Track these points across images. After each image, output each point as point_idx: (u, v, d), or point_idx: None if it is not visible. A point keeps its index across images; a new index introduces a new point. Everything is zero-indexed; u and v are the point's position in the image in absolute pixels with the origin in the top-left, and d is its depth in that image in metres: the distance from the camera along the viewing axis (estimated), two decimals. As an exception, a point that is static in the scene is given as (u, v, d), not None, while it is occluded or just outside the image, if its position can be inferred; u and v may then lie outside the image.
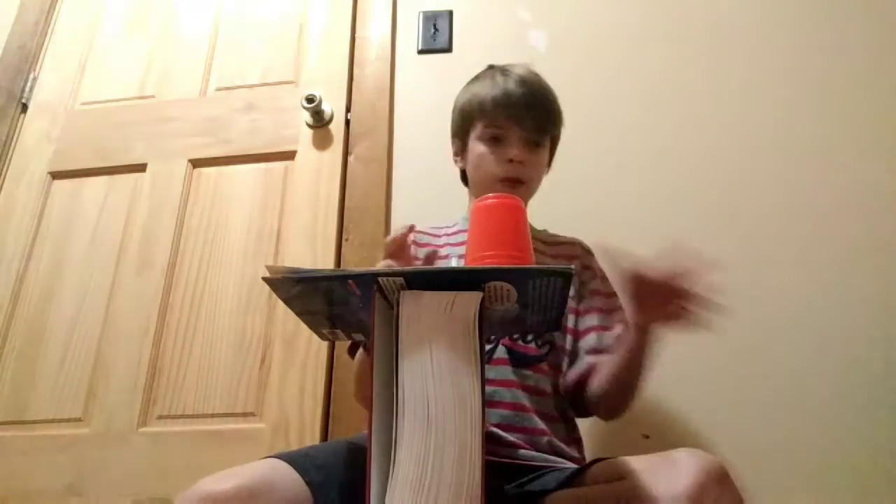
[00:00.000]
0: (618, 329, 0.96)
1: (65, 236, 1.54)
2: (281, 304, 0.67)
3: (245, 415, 1.31)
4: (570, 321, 0.99)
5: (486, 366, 0.88)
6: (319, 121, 1.53)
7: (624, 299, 0.80)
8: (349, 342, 0.93)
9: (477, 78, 1.08)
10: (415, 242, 1.06)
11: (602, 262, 1.06)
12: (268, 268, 0.62)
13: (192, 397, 1.33)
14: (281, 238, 1.45)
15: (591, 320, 0.98)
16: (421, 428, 0.54)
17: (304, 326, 0.72)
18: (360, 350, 0.90)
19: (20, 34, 1.78)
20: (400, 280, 0.59)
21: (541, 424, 0.87)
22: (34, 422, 1.37)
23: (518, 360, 0.91)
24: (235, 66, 1.68)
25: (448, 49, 1.59)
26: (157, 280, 1.45)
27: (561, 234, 1.12)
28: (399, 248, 0.79)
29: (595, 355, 0.94)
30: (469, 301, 0.58)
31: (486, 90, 1.02)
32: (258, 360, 1.34)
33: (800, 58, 1.46)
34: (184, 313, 1.41)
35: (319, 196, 1.47)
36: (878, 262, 1.26)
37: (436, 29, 1.62)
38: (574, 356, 0.96)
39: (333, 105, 1.56)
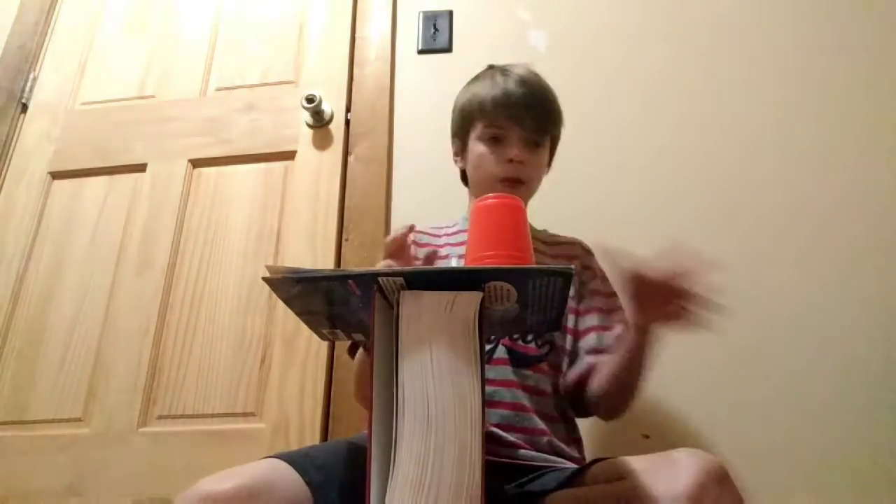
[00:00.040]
0: (618, 329, 0.96)
1: (65, 236, 1.54)
2: (281, 304, 0.67)
3: (245, 415, 1.31)
4: (570, 321, 0.99)
5: (486, 366, 0.89)
6: (319, 121, 1.53)
7: (624, 299, 0.80)
8: (349, 342, 0.92)
9: (477, 78, 1.08)
10: (415, 242, 1.06)
11: (602, 262, 1.06)
12: (268, 268, 0.62)
13: (192, 397, 1.34)
14: (281, 238, 1.45)
15: (591, 320, 0.98)
16: (421, 428, 0.54)
17: (304, 326, 0.72)
18: (360, 350, 0.90)
19: (20, 34, 1.78)
20: (400, 280, 0.59)
21: (541, 424, 0.87)
22: (34, 422, 1.37)
23: (518, 360, 0.91)
24: (235, 66, 1.68)
25: (448, 49, 1.59)
26: (157, 280, 1.45)
27: (561, 234, 1.12)
28: (399, 248, 0.79)
29: (595, 355, 0.94)
30: (469, 301, 0.58)
31: (486, 90, 1.02)
32: (258, 360, 1.34)
33: (800, 57, 1.46)
34: (184, 313, 1.41)
35: (319, 196, 1.47)
36: (878, 262, 1.26)
37: (436, 29, 1.62)
38: (574, 356, 0.96)
39: (333, 105, 1.56)
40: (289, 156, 1.53)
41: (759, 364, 1.20)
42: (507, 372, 0.89)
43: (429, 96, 1.54)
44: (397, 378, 0.56)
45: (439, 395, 0.55)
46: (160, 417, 1.33)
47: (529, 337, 0.93)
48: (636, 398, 0.89)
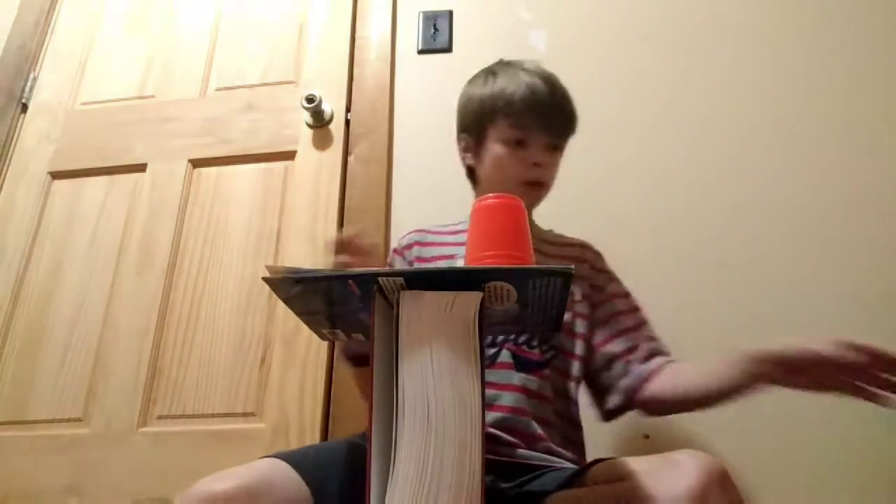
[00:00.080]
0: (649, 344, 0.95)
1: (65, 236, 1.54)
2: (281, 303, 0.67)
3: (245, 415, 1.31)
4: (581, 326, 0.97)
5: (490, 369, 0.88)
6: (319, 121, 1.53)
7: (769, 363, 0.75)
8: (343, 353, 0.90)
9: (493, 73, 1.04)
10: (418, 243, 1.06)
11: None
12: (268, 268, 0.62)
13: (192, 397, 1.34)
14: (281, 238, 1.45)
15: (619, 343, 0.96)
16: (421, 428, 0.54)
17: (304, 326, 0.72)
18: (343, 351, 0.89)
19: (20, 34, 1.78)
20: (400, 280, 0.59)
21: (538, 430, 0.87)
22: (34, 422, 1.37)
23: (522, 364, 0.90)
24: (235, 66, 1.68)
25: (448, 49, 1.60)
26: (157, 280, 1.45)
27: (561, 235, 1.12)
28: (349, 247, 0.78)
29: (653, 360, 0.93)
30: (469, 301, 0.58)
31: (513, 87, 0.98)
32: (258, 360, 1.34)
33: (802, 57, 1.46)
34: (184, 313, 1.41)
35: (319, 196, 1.47)
36: (878, 261, 1.26)
37: (436, 29, 1.62)
38: (607, 364, 0.95)
39: (333, 105, 1.56)
40: (289, 156, 1.53)
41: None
42: (509, 376, 0.89)
43: (429, 96, 1.54)
44: (397, 378, 0.56)
45: (439, 395, 0.55)
46: (160, 417, 1.33)
47: (535, 342, 0.92)
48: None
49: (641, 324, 0.98)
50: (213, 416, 1.31)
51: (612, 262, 1.08)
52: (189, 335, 1.39)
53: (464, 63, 1.49)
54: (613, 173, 1.41)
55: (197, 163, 1.57)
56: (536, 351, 0.91)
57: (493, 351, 0.90)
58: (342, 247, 0.79)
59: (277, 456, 0.74)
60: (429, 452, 0.53)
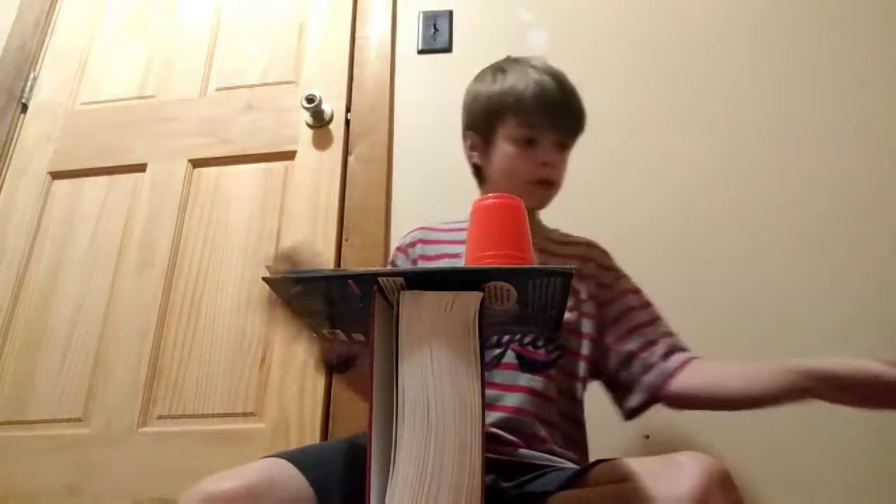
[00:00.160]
0: (668, 339, 0.94)
1: (65, 236, 1.54)
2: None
3: (245, 415, 1.31)
4: (587, 326, 0.95)
5: (495, 370, 0.88)
6: (319, 121, 1.53)
7: (821, 380, 0.75)
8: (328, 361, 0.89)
9: (502, 70, 1.02)
10: (421, 241, 1.05)
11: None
12: (268, 268, 0.62)
13: (192, 397, 1.34)
14: (281, 238, 1.45)
15: (634, 341, 0.95)
16: (421, 428, 0.54)
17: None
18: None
19: (20, 34, 1.78)
20: (400, 280, 0.59)
21: (541, 431, 0.86)
22: (34, 422, 1.37)
23: (527, 365, 0.90)
24: (235, 66, 1.68)
25: (448, 49, 1.60)
26: (157, 280, 1.45)
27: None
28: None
29: (675, 355, 0.91)
30: (469, 301, 0.58)
31: (522, 84, 0.97)
32: (258, 360, 1.34)
33: (804, 56, 1.46)
34: (184, 313, 1.41)
35: (319, 196, 1.47)
36: (878, 261, 1.26)
37: (436, 29, 1.62)
38: (625, 362, 0.93)
39: (333, 105, 1.56)
40: (289, 156, 1.53)
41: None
42: (514, 377, 0.88)
43: (429, 96, 1.54)
44: (397, 378, 0.56)
45: (439, 396, 0.55)
46: (160, 417, 1.33)
47: (540, 343, 0.91)
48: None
49: (656, 319, 0.96)
50: (213, 416, 1.31)
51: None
52: (189, 335, 1.39)
53: (464, 63, 1.50)
54: (614, 173, 1.41)
55: (197, 163, 1.57)
56: (542, 351, 0.90)
57: (498, 351, 0.89)
58: (286, 261, 0.78)
59: (280, 455, 0.74)
60: (429, 452, 0.53)
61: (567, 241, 1.06)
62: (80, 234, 1.53)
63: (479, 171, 1.06)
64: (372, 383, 0.56)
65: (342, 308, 0.66)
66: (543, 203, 1.02)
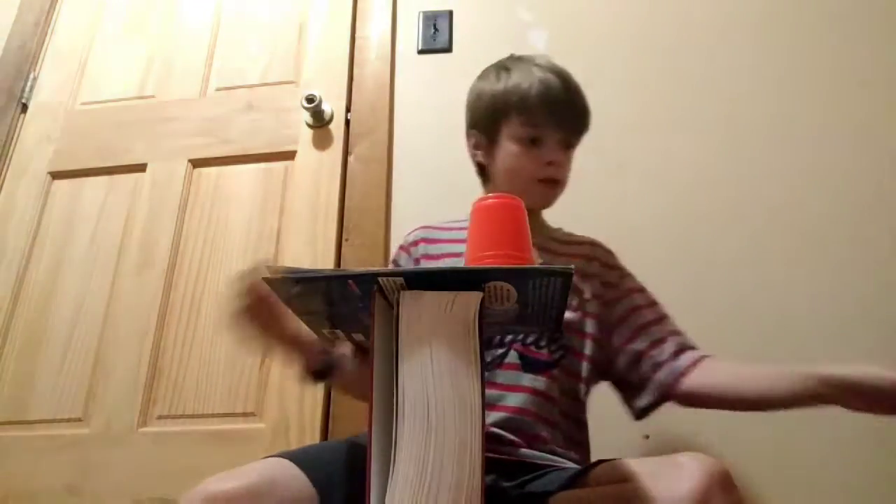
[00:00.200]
0: (677, 337, 0.94)
1: (65, 236, 1.54)
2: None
3: (245, 415, 1.31)
4: (590, 326, 0.94)
5: (497, 370, 0.87)
6: (319, 121, 1.53)
7: (841, 387, 0.75)
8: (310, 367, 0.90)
9: (506, 68, 1.02)
10: (424, 240, 1.05)
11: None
12: (268, 268, 0.62)
13: (192, 397, 1.34)
14: (281, 238, 1.45)
15: (642, 341, 0.94)
16: (421, 428, 0.54)
17: (304, 326, 0.72)
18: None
19: (20, 34, 1.78)
20: (400, 280, 0.59)
21: (543, 431, 0.86)
22: (34, 422, 1.37)
23: (529, 365, 0.89)
24: (235, 66, 1.68)
25: (448, 49, 1.59)
26: (157, 280, 1.45)
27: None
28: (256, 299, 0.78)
29: (685, 353, 0.91)
30: (469, 301, 0.58)
31: (527, 83, 0.96)
32: (258, 360, 1.34)
33: (805, 56, 1.46)
34: (184, 313, 1.41)
35: (319, 196, 1.47)
36: (878, 263, 1.26)
37: (436, 29, 1.62)
38: (634, 362, 0.92)
39: (333, 105, 1.56)
40: (289, 156, 1.53)
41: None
42: (516, 377, 0.88)
43: (429, 96, 1.54)
44: (397, 378, 0.56)
45: (439, 396, 0.55)
46: (160, 417, 1.33)
47: (543, 343, 0.90)
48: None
49: (663, 317, 0.95)
50: (213, 416, 1.31)
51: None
52: (189, 335, 1.39)
53: (464, 63, 1.49)
54: (614, 173, 1.41)
55: (197, 163, 1.57)
56: (545, 351, 0.90)
57: (501, 351, 0.89)
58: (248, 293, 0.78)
59: (282, 455, 0.74)
60: (429, 452, 0.53)
61: (571, 241, 1.05)
62: (80, 234, 1.53)
63: (483, 170, 1.06)
64: (372, 383, 0.56)
65: (342, 308, 0.66)
66: (548, 202, 1.02)
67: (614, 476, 0.66)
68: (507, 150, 0.98)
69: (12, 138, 1.68)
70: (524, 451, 0.84)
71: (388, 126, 1.52)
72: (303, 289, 0.63)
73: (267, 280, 0.62)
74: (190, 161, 1.57)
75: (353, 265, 1.38)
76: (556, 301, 0.64)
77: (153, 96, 1.68)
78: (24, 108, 1.72)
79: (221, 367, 1.35)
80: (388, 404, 0.56)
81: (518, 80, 0.98)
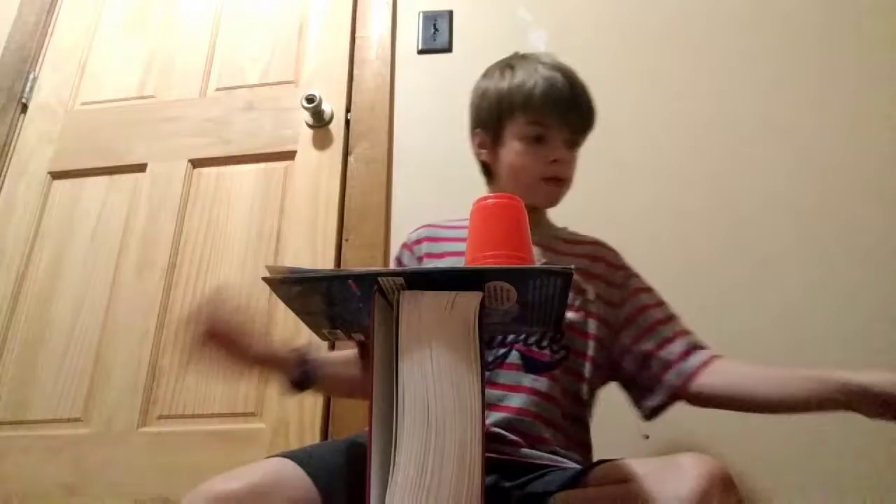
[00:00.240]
0: (686, 337, 0.93)
1: (65, 236, 1.54)
2: (281, 303, 0.67)
3: (245, 415, 1.31)
4: (592, 327, 0.93)
5: (498, 370, 0.87)
6: (319, 121, 1.53)
7: (858, 394, 0.74)
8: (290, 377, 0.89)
9: (510, 66, 1.01)
10: (428, 238, 1.04)
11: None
12: (268, 268, 0.62)
13: (192, 397, 1.33)
14: (281, 238, 1.45)
15: (651, 341, 0.93)
16: (421, 428, 0.54)
17: (304, 326, 0.72)
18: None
19: (20, 34, 1.78)
20: (400, 280, 0.59)
21: (544, 433, 0.86)
22: (34, 422, 1.37)
23: (530, 365, 0.89)
24: (235, 66, 1.68)
25: (448, 49, 1.59)
26: (157, 280, 1.45)
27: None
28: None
29: (695, 353, 0.90)
30: (469, 301, 0.58)
31: (532, 81, 0.96)
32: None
33: (805, 56, 1.46)
34: (184, 313, 1.41)
35: (319, 196, 1.47)
36: (877, 265, 1.27)
37: (436, 29, 1.62)
38: (643, 362, 0.91)
39: (333, 105, 1.56)
40: (289, 156, 1.53)
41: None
42: (517, 377, 0.87)
43: (429, 96, 1.54)
44: (397, 378, 0.56)
45: (439, 395, 0.55)
46: (160, 417, 1.33)
47: (545, 343, 0.90)
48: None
49: (671, 317, 0.94)
50: (213, 416, 1.31)
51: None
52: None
53: (464, 63, 1.50)
54: (612, 173, 1.40)
55: (197, 163, 1.57)
56: (546, 352, 0.90)
57: (502, 351, 0.89)
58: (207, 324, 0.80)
59: (285, 455, 0.74)
60: (429, 452, 0.54)
61: (576, 241, 1.03)
62: (80, 234, 1.53)
63: (487, 170, 1.05)
64: (372, 383, 0.56)
65: (342, 308, 0.66)
66: (553, 201, 1.01)
67: (615, 476, 0.66)
68: (512, 148, 0.97)
69: (12, 138, 1.68)
70: (526, 451, 0.84)
71: (388, 126, 1.52)
72: (303, 289, 0.63)
73: (267, 280, 0.62)
74: (190, 161, 1.57)
75: (353, 265, 1.38)
76: (557, 301, 0.64)
77: (153, 96, 1.68)
78: (24, 108, 1.72)
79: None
80: (388, 404, 0.56)
81: (523, 78, 0.97)
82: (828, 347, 1.21)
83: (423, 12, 1.64)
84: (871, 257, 1.27)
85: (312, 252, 1.42)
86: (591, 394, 0.95)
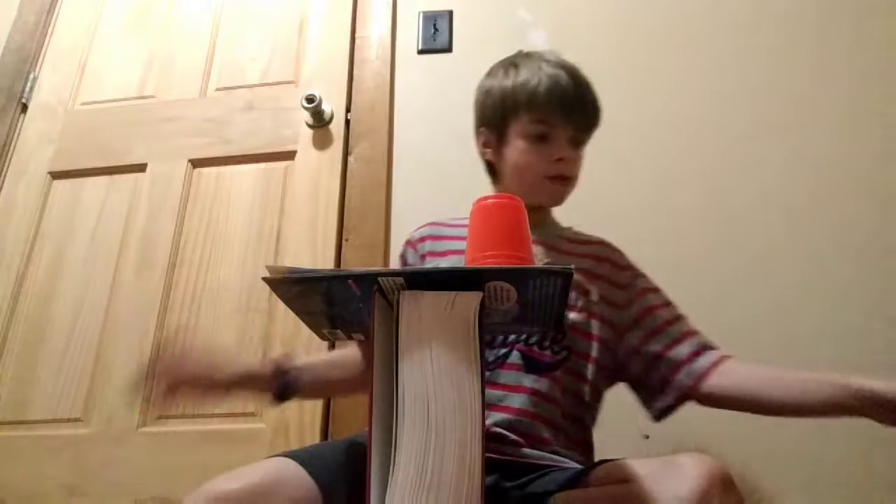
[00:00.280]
0: (695, 337, 0.92)
1: (65, 236, 1.54)
2: (281, 303, 0.67)
3: (245, 415, 1.31)
4: (595, 328, 0.92)
5: (499, 370, 0.87)
6: (319, 121, 1.53)
7: (875, 401, 0.74)
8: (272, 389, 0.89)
9: (514, 65, 1.00)
10: (431, 237, 1.04)
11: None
12: (268, 268, 0.62)
13: (192, 397, 1.33)
14: (281, 238, 1.45)
15: (660, 342, 0.92)
16: (421, 428, 0.54)
17: (304, 326, 0.72)
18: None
19: (20, 34, 1.78)
20: (400, 280, 0.59)
21: (545, 433, 0.86)
22: (34, 422, 1.37)
23: (531, 366, 0.89)
24: (235, 65, 1.68)
25: (448, 49, 1.59)
26: (157, 280, 1.45)
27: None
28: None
29: (704, 354, 0.90)
30: (469, 301, 0.58)
31: (536, 80, 0.95)
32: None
33: (806, 50, 1.46)
34: (184, 313, 1.41)
35: (319, 196, 1.47)
36: (875, 269, 1.27)
37: (436, 29, 1.62)
38: (651, 363, 0.91)
39: (333, 105, 1.56)
40: (289, 156, 1.53)
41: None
42: (518, 377, 0.87)
43: (429, 96, 1.54)
44: (397, 378, 0.56)
45: (439, 395, 0.55)
46: (160, 417, 1.33)
47: (546, 343, 0.89)
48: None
49: (679, 317, 0.94)
50: (213, 416, 1.31)
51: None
52: (189, 335, 1.39)
53: (464, 63, 1.50)
54: (611, 173, 1.40)
55: (197, 163, 1.57)
56: (548, 352, 0.89)
57: (503, 351, 0.88)
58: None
59: (286, 455, 0.74)
60: (429, 452, 0.54)
61: (581, 240, 1.02)
62: (80, 234, 1.53)
63: (492, 169, 1.04)
64: (372, 383, 0.56)
65: (342, 308, 0.66)
66: (558, 200, 1.00)
67: (615, 476, 0.66)
68: (516, 147, 0.97)
69: (12, 138, 1.68)
70: (527, 451, 0.83)
71: (388, 126, 1.52)
72: (303, 289, 0.63)
73: (267, 280, 0.62)
74: (190, 161, 1.57)
75: (353, 265, 1.38)
76: (557, 301, 0.64)
77: (153, 96, 1.68)
78: (24, 108, 1.72)
79: (221, 367, 1.35)
80: (388, 404, 0.56)
81: (526, 76, 0.97)
82: (819, 343, 1.21)
83: (423, 12, 1.64)
84: (863, 254, 1.28)
85: (312, 252, 1.42)
86: (596, 395, 0.94)
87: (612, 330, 0.93)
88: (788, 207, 1.33)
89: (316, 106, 1.49)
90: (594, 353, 0.92)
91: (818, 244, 1.30)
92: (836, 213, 1.32)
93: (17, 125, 1.70)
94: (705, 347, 0.90)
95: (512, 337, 0.89)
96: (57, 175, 1.61)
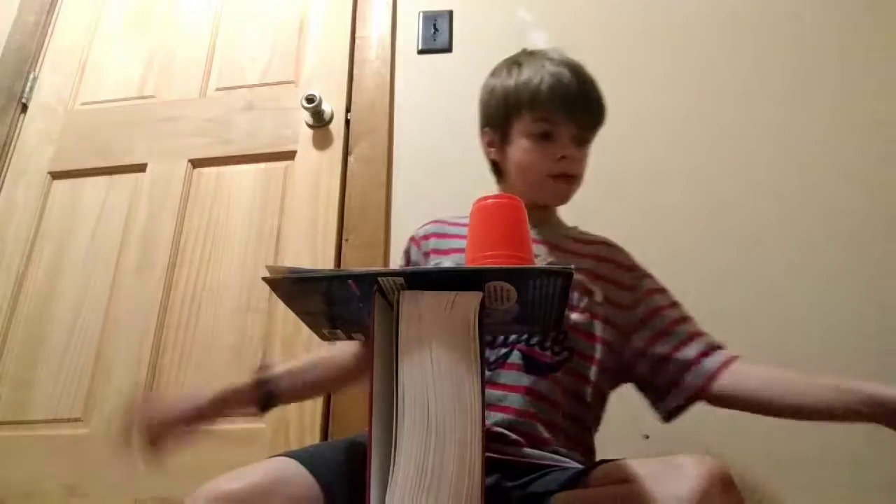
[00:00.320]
0: (703, 338, 0.92)
1: (65, 236, 1.54)
2: (281, 303, 0.67)
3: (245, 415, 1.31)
4: (599, 329, 0.91)
5: (499, 370, 0.86)
6: (319, 121, 1.53)
7: (890, 408, 0.74)
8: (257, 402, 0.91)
9: (517, 63, 1.00)
10: (436, 234, 1.03)
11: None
12: (268, 268, 0.62)
13: (192, 397, 1.33)
14: (281, 238, 1.45)
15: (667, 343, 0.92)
16: (421, 428, 0.54)
17: (304, 326, 0.72)
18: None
19: (20, 34, 1.78)
20: (400, 280, 0.59)
21: (545, 433, 0.86)
22: (34, 422, 1.37)
23: (532, 366, 0.88)
24: (235, 65, 1.68)
25: (448, 49, 1.59)
26: (157, 280, 1.45)
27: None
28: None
29: (713, 354, 0.89)
30: (469, 301, 0.58)
31: (538, 78, 0.95)
32: (258, 360, 1.34)
33: (804, 57, 1.46)
34: (184, 313, 1.41)
35: (319, 196, 1.47)
36: (872, 270, 1.27)
37: (436, 29, 1.62)
38: (659, 365, 0.90)
39: (333, 105, 1.56)
40: (289, 156, 1.53)
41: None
42: (518, 378, 0.87)
43: (429, 96, 1.54)
44: (397, 378, 0.56)
45: (439, 395, 0.55)
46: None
47: (547, 344, 0.89)
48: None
49: (686, 318, 0.93)
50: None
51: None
52: (189, 335, 1.39)
53: (464, 63, 1.50)
54: (611, 173, 1.40)
55: (197, 163, 1.57)
56: (549, 353, 0.89)
57: (504, 351, 0.88)
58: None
59: (287, 455, 0.74)
60: (429, 452, 0.54)
61: (585, 240, 1.01)
62: (80, 234, 1.53)
63: (497, 168, 1.04)
64: (372, 383, 0.56)
65: (342, 308, 0.66)
66: (563, 199, 0.99)
67: (615, 476, 0.66)
68: (519, 146, 0.96)
69: (12, 138, 1.68)
70: (527, 451, 0.83)
71: (388, 126, 1.52)
72: (303, 289, 0.63)
73: (267, 280, 0.62)
74: (190, 161, 1.57)
75: (353, 265, 1.38)
76: (557, 301, 0.64)
77: (153, 96, 1.68)
78: (24, 108, 1.72)
79: (221, 368, 1.35)
80: (388, 404, 0.56)
81: (529, 74, 0.96)
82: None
83: (423, 12, 1.64)
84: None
85: (312, 252, 1.42)
86: (598, 396, 0.93)
87: (616, 331, 0.93)
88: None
89: (316, 106, 1.49)
90: (597, 354, 0.91)
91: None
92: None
93: (17, 125, 1.70)
94: (714, 348, 0.90)
95: (513, 337, 0.89)
96: (57, 175, 1.61)
